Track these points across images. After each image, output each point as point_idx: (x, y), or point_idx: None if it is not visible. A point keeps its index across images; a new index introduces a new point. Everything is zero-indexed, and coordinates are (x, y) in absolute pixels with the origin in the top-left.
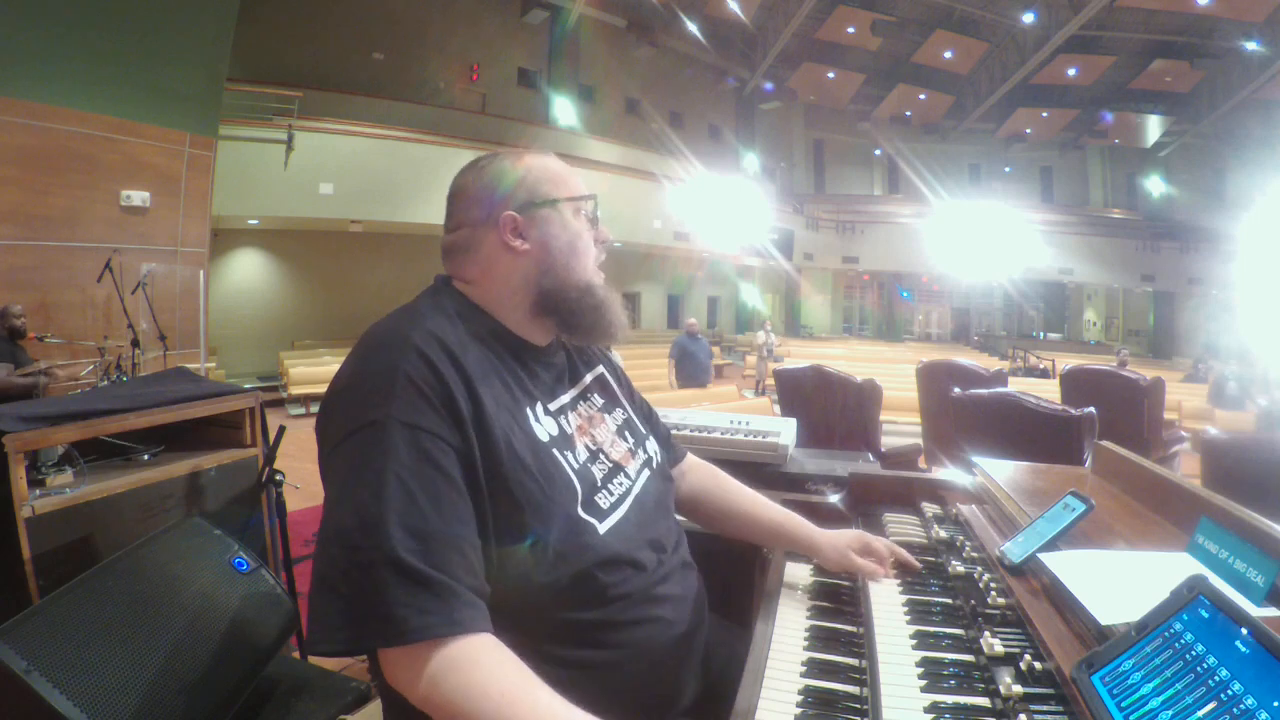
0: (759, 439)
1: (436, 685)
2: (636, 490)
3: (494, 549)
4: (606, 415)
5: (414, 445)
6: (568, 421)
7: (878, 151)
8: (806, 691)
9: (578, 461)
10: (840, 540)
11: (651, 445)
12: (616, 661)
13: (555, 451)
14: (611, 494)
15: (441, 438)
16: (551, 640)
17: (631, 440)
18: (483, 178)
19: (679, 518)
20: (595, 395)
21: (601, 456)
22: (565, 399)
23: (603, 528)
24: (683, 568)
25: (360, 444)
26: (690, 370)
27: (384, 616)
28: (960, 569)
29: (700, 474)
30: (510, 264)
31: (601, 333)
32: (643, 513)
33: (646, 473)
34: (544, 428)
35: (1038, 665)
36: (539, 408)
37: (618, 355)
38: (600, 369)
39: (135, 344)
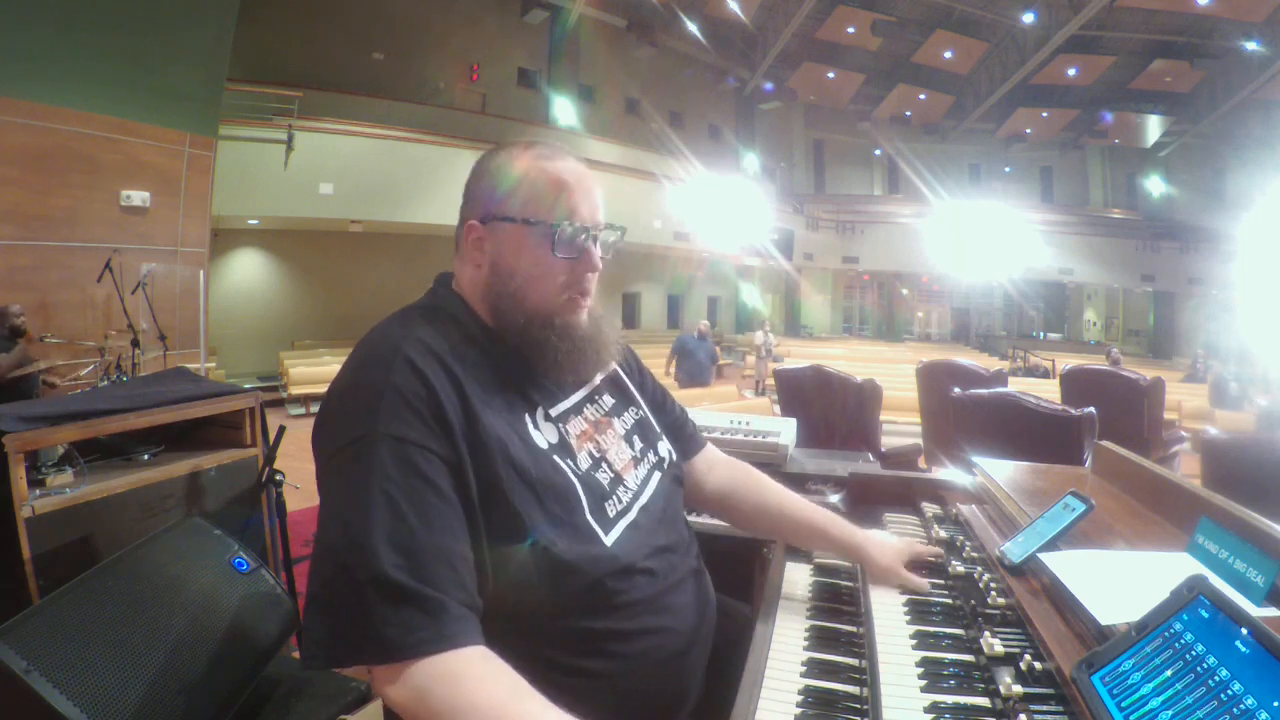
0: (759, 439)
1: (426, 699)
2: (645, 498)
3: (490, 557)
4: (615, 419)
5: (401, 458)
6: (569, 428)
7: (878, 151)
8: (807, 691)
9: (580, 469)
10: (889, 552)
11: (664, 446)
12: (622, 671)
13: (555, 458)
14: (620, 501)
15: (429, 449)
16: (557, 648)
17: (641, 445)
18: (478, 171)
19: (692, 519)
20: (605, 396)
21: (605, 465)
22: (569, 403)
23: (609, 538)
24: (692, 574)
25: (347, 460)
26: (689, 369)
27: (372, 635)
28: (960, 569)
29: (732, 470)
30: (474, 272)
31: (550, 368)
32: (651, 520)
33: (657, 475)
34: (543, 434)
35: (1038, 665)
36: (539, 413)
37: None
38: (612, 365)
39: (135, 344)
